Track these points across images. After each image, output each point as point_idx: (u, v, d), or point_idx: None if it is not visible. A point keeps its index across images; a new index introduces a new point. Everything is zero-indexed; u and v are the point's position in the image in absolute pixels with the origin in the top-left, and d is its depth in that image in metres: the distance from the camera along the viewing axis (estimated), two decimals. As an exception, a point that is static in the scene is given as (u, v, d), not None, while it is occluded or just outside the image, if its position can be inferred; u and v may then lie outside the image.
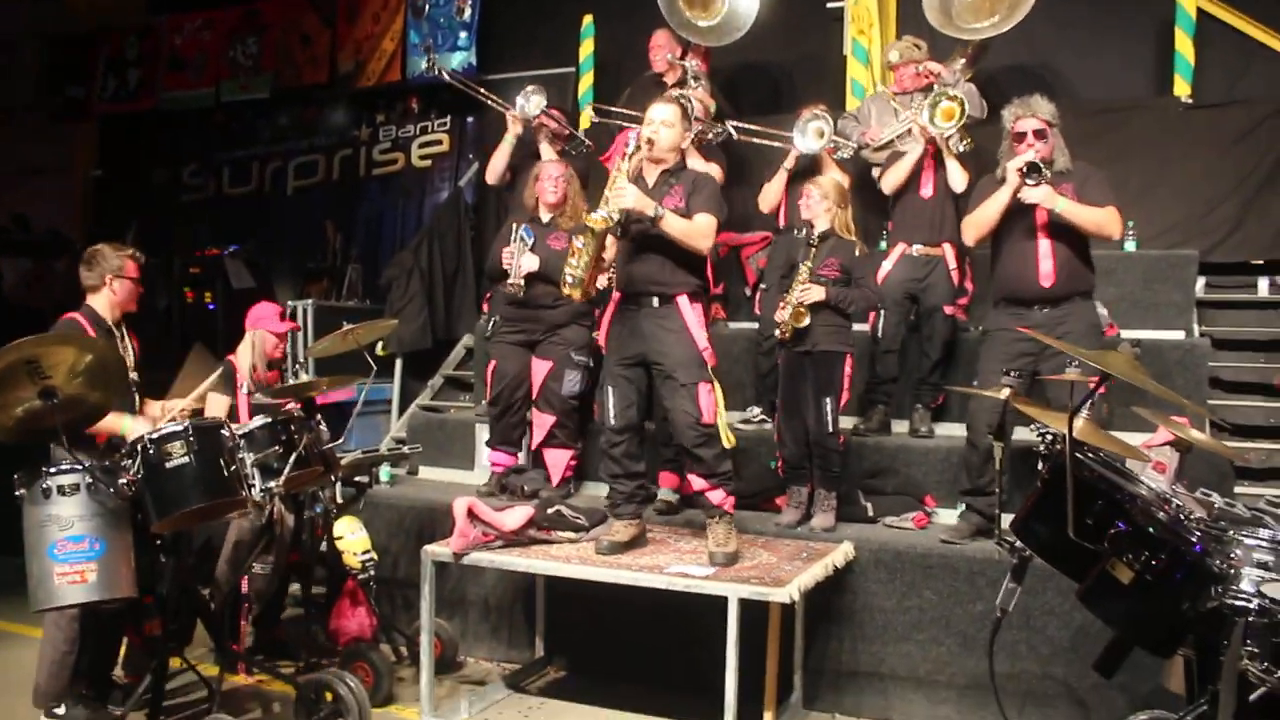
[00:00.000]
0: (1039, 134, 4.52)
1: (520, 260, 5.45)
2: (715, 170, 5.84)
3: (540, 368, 5.50)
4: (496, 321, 5.70)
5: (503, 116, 6.35)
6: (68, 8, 10.69)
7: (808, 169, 5.80)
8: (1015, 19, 5.98)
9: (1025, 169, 4.40)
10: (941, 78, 5.89)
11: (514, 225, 5.60)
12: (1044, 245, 4.53)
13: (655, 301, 4.34)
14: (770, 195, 5.99)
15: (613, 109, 6.54)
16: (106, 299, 4.52)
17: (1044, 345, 4.41)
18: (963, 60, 6.21)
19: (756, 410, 5.82)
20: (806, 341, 4.83)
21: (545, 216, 5.62)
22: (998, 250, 4.73)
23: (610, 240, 4.41)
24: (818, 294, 4.78)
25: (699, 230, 4.30)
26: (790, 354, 4.91)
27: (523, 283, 5.46)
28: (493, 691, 4.81)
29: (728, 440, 4.37)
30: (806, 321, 4.78)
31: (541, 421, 5.51)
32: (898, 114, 5.93)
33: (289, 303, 7.51)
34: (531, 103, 6.23)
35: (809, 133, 5.74)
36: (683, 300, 4.33)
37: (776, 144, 5.99)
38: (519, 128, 6.22)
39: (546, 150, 6.20)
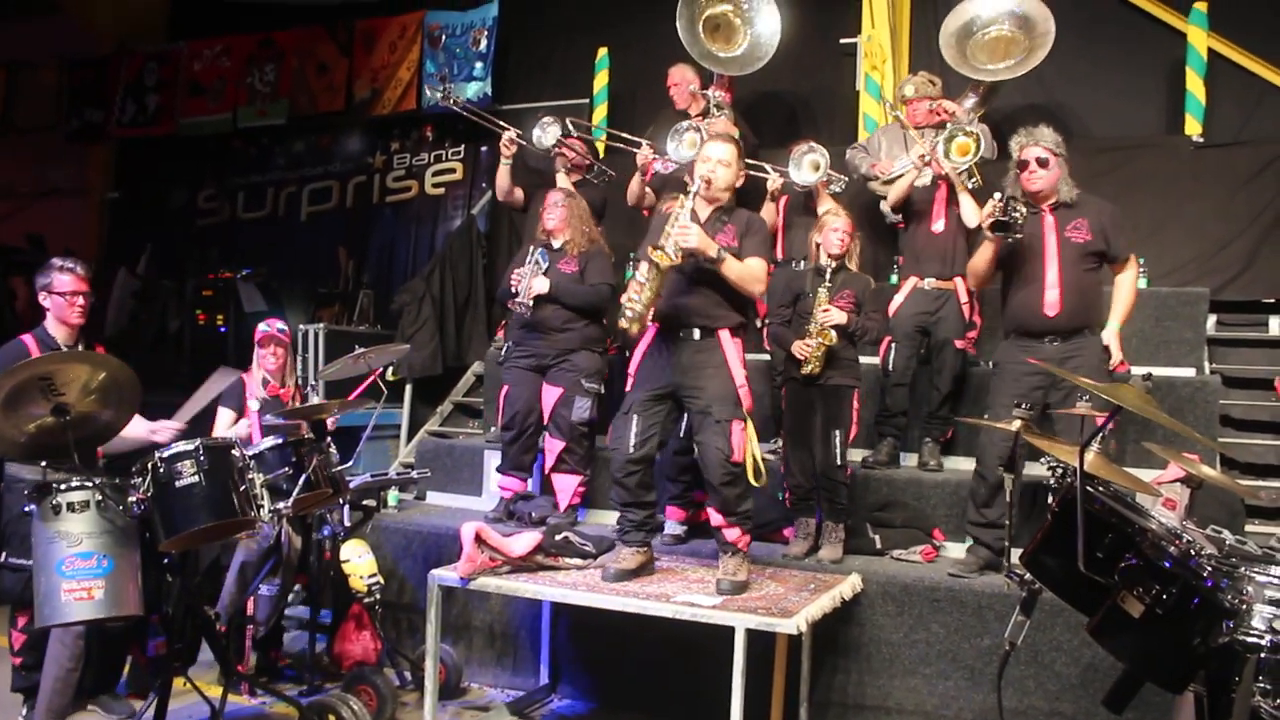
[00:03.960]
0: (1041, 162, 4.54)
1: (531, 282, 5.49)
2: None
3: (551, 394, 5.52)
4: (508, 347, 5.73)
5: (521, 146, 6.40)
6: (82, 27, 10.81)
7: (802, 202, 5.82)
8: (1030, 65, 6.03)
9: (993, 225, 4.45)
10: (956, 116, 5.91)
11: (531, 248, 5.66)
12: (1051, 275, 4.54)
13: (696, 334, 4.34)
14: None
15: (629, 136, 6.56)
16: (51, 317, 4.52)
17: (1054, 378, 4.43)
18: (974, 98, 6.24)
19: (781, 442, 5.80)
20: (819, 375, 4.84)
21: (556, 243, 5.67)
22: (1007, 281, 4.75)
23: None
24: (839, 317, 4.81)
25: (754, 274, 4.32)
26: (798, 386, 4.92)
27: (530, 304, 5.49)
28: (496, 717, 4.80)
29: (755, 478, 4.30)
30: (834, 339, 4.80)
31: (552, 446, 5.53)
32: (908, 146, 5.94)
33: (300, 326, 7.54)
34: (548, 134, 6.27)
35: (804, 165, 5.75)
36: (724, 335, 4.33)
37: (769, 176, 6.00)
38: (512, 150, 6.28)
39: (562, 180, 6.24)
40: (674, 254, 4.16)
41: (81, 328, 4.57)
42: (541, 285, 5.49)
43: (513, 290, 5.54)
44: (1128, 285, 4.65)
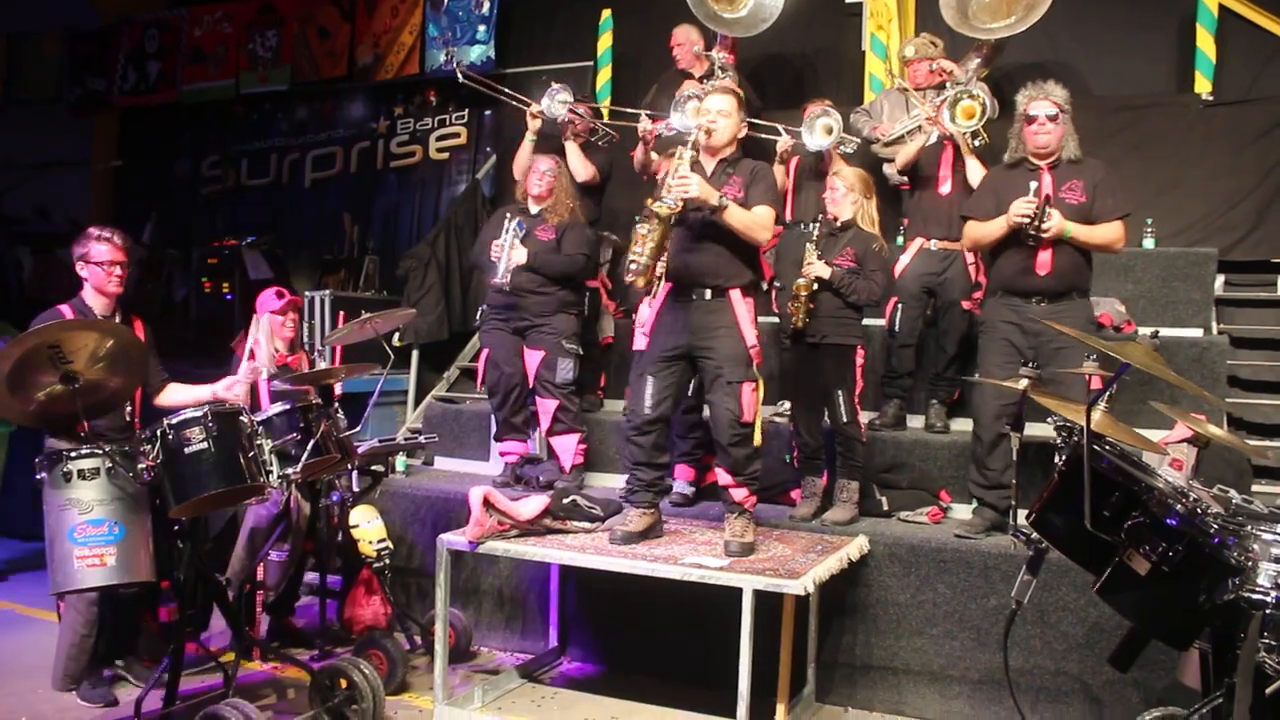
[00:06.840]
0: (1051, 117, 4.50)
1: (510, 254, 5.46)
2: None
3: (533, 357, 5.54)
4: (484, 310, 5.73)
5: (521, 110, 6.34)
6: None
7: (813, 164, 5.79)
8: (1030, 20, 5.95)
9: (1019, 228, 4.41)
10: (954, 76, 5.87)
11: (505, 215, 5.62)
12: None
13: (708, 294, 4.31)
14: None
15: (629, 110, 6.49)
16: (88, 286, 4.43)
17: (1042, 337, 4.42)
18: (977, 60, 6.18)
19: (788, 404, 5.79)
20: (816, 333, 4.84)
21: (534, 209, 5.65)
22: (999, 240, 4.70)
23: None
24: (821, 270, 4.80)
25: (759, 222, 4.27)
26: (800, 346, 4.92)
27: (510, 277, 5.46)
28: (506, 681, 4.83)
29: (757, 439, 4.32)
30: (811, 289, 4.78)
31: (545, 408, 5.53)
32: (909, 109, 5.90)
33: (306, 292, 7.54)
34: (557, 101, 6.16)
35: (817, 130, 5.67)
36: (735, 295, 4.30)
37: (780, 138, 5.95)
38: (539, 124, 6.16)
39: (571, 147, 6.15)
40: (674, 204, 4.14)
41: (120, 298, 4.48)
42: (520, 255, 5.47)
43: (492, 260, 5.50)
44: (1105, 228, 4.47)
